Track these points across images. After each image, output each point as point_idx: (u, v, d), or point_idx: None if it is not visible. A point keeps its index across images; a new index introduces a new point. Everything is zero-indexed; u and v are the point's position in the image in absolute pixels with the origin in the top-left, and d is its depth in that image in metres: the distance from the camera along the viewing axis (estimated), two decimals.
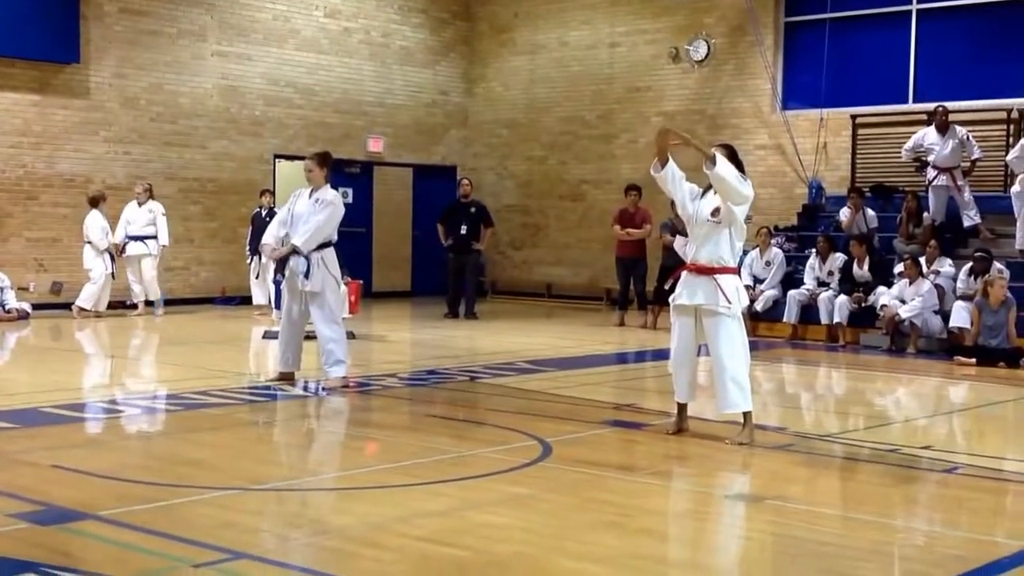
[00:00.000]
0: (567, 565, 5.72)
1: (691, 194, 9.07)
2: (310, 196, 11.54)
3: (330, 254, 11.54)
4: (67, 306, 18.96)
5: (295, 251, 11.37)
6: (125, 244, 19.22)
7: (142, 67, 20.72)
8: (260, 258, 19.00)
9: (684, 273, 9.10)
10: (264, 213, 19.33)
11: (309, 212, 11.45)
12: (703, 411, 9.91)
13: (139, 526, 6.21)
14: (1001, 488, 8.03)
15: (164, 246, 19.56)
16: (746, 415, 8.96)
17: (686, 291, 9.02)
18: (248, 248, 19.76)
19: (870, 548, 6.15)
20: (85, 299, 18.71)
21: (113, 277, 18.91)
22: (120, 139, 20.54)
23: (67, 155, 19.96)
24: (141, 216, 19.31)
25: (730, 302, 8.85)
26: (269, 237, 11.94)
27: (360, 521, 6.48)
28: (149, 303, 19.52)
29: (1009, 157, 16.98)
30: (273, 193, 19.92)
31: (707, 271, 8.91)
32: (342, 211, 11.65)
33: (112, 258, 18.80)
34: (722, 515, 7.19)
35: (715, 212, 8.88)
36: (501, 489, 7.36)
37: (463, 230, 19.90)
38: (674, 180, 9.04)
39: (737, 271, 9.17)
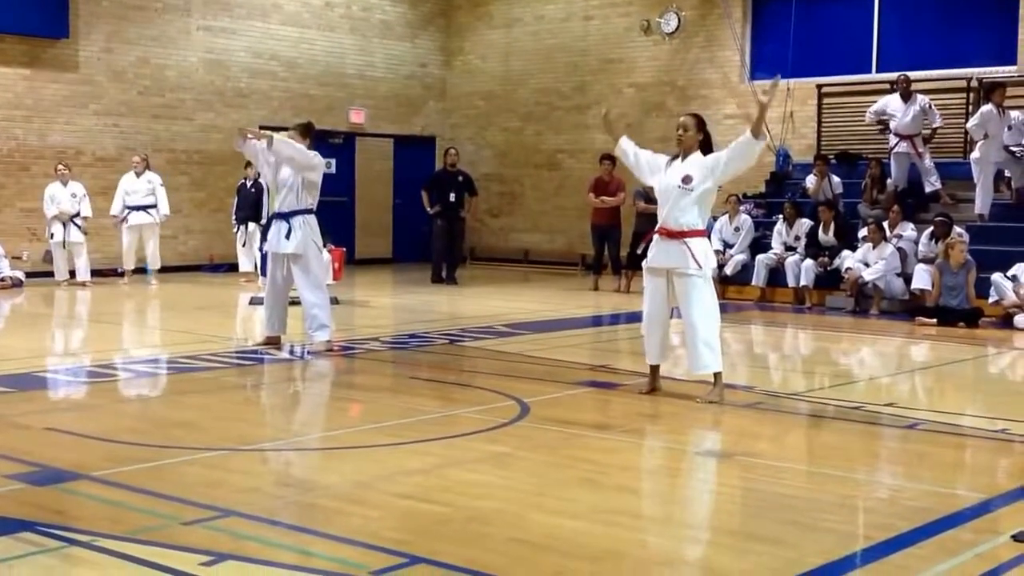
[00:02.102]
0: (545, 520, 5.76)
1: (651, 167, 9.28)
2: None
3: (312, 219, 11.63)
4: None
5: (269, 143, 11.45)
6: (127, 215, 19.46)
7: (129, 41, 20.96)
8: (247, 227, 19.41)
9: (655, 237, 9.19)
10: (249, 184, 19.70)
11: (291, 176, 11.59)
12: (674, 371, 10.09)
13: (131, 486, 6.30)
14: (960, 443, 8.18)
15: (166, 215, 19.83)
16: (716, 375, 9.10)
17: (658, 254, 9.15)
18: (234, 217, 20.11)
19: (835, 501, 6.29)
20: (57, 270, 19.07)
21: (64, 247, 18.89)
22: (109, 112, 20.80)
23: (58, 128, 20.23)
24: (141, 186, 19.53)
25: (700, 265, 8.96)
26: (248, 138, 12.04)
27: (345, 479, 6.58)
28: (138, 270, 19.80)
29: (969, 124, 17.24)
30: None
31: (677, 235, 9.00)
32: (321, 165, 11.74)
33: (65, 226, 18.78)
34: (693, 471, 7.34)
35: (686, 179, 8.98)
36: (481, 448, 7.45)
37: (452, 198, 20.14)
38: (632, 156, 9.38)
39: (706, 234, 9.30)
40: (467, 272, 22.89)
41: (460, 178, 20.48)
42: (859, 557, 5.35)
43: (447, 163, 20.72)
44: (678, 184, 9.02)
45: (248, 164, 19.84)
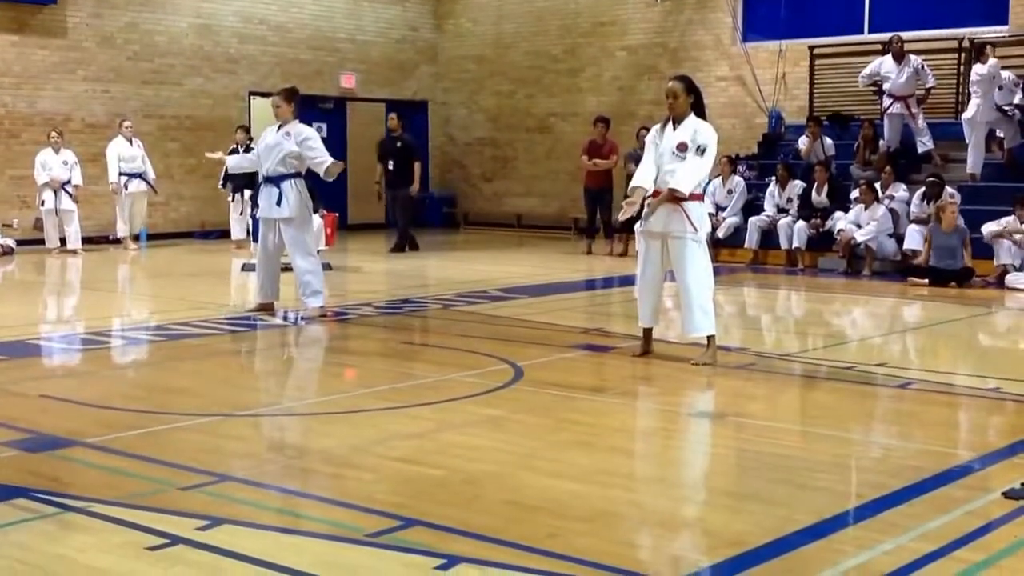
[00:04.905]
0: (539, 482, 5.81)
1: (646, 150, 9.28)
2: (278, 130, 11.69)
3: (301, 183, 11.66)
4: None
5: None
6: (127, 182, 19.52)
7: (118, 7, 20.88)
8: (242, 195, 19.35)
9: (650, 201, 9.16)
10: (241, 150, 19.67)
11: (279, 143, 11.58)
12: (667, 334, 10.15)
13: (126, 452, 6.34)
14: (952, 401, 8.22)
15: (154, 180, 20.03)
16: (710, 337, 9.15)
17: (653, 218, 9.13)
18: (221, 182, 19.91)
19: (829, 460, 6.35)
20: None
21: (55, 214, 18.94)
22: (98, 78, 20.75)
23: (47, 94, 20.18)
24: (136, 153, 19.67)
25: (696, 228, 8.99)
26: (231, 160, 12.26)
27: (340, 444, 6.59)
28: (135, 237, 19.97)
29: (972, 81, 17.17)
30: (247, 130, 20.10)
31: (673, 199, 9.03)
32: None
33: (56, 194, 18.82)
34: (687, 432, 7.39)
35: (681, 147, 8.99)
36: (475, 411, 7.49)
37: (390, 165, 19.50)
38: (648, 164, 9.24)
39: (701, 198, 9.31)
40: (460, 237, 23.03)
41: (399, 144, 19.77)
42: (851, 515, 5.39)
43: (388, 128, 20.17)
44: (673, 150, 9.03)
45: (238, 129, 19.87)
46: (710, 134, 9.07)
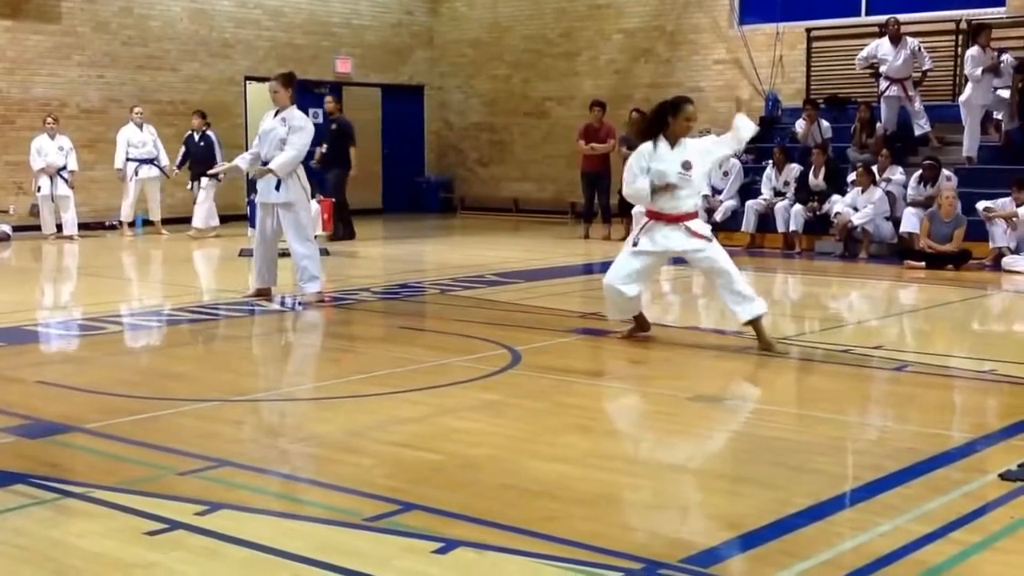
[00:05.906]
0: (538, 466, 5.82)
1: (637, 163, 9.15)
2: (275, 116, 11.66)
3: (300, 168, 11.64)
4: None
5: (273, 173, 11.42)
6: (137, 168, 19.47)
7: None
8: (199, 183, 19.23)
9: (651, 223, 9.17)
10: (197, 137, 19.59)
11: (274, 128, 11.56)
12: (664, 318, 10.24)
13: (125, 437, 6.34)
14: (948, 384, 8.30)
15: (167, 166, 19.89)
16: (754, 321, 9.14)
17: (664, 242, 9.12)
18: (177, 165, 19.83)
19: (825, 443, 6.34)
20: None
21: (51, 200, 18.95)
22: (93, 63, 20.72)
23: (42, 79, 20.15)
24: (147, 138, 19.61)
25: (709, 239, 9.11)
26: (242, 162, 12.20)
27: (338, 429, 6.60)
28: (132, 224, 19.99)
29: (967, 70, 17.19)
30: (203, 115, 19.89)
31: (673, 219, 9.03)
32: (312, 132, 11.72)
33: (52, 180, 18.82)
34: (684, 416, 7.27)
35: (686, 165, 8.95)
36: (474, 396, 7.49)
37: (323, 148, 18.88)
38: (647, 170, 9.17)
39: (695, 215, 9.24)
40: (457, 222, 22.97)
41: (333, 126, 19.31)
42: (849, 497, 5.40)
43: (326, 111, 19.74)
44: (679, 170, 8.98)
45: (195, 113, 19.74)
46: (702, 148, 9.19)
